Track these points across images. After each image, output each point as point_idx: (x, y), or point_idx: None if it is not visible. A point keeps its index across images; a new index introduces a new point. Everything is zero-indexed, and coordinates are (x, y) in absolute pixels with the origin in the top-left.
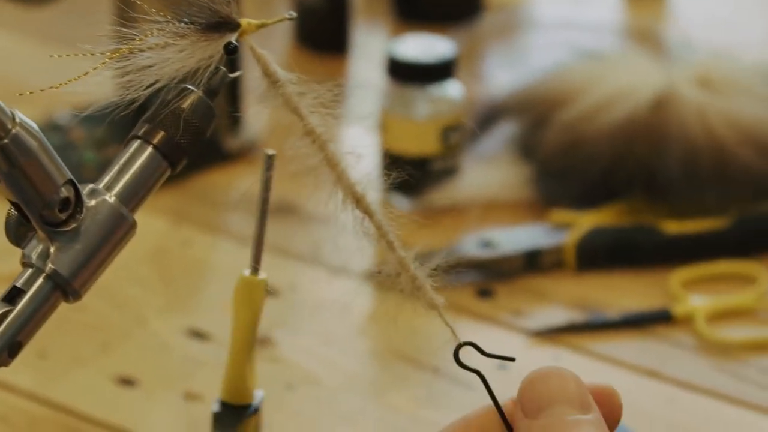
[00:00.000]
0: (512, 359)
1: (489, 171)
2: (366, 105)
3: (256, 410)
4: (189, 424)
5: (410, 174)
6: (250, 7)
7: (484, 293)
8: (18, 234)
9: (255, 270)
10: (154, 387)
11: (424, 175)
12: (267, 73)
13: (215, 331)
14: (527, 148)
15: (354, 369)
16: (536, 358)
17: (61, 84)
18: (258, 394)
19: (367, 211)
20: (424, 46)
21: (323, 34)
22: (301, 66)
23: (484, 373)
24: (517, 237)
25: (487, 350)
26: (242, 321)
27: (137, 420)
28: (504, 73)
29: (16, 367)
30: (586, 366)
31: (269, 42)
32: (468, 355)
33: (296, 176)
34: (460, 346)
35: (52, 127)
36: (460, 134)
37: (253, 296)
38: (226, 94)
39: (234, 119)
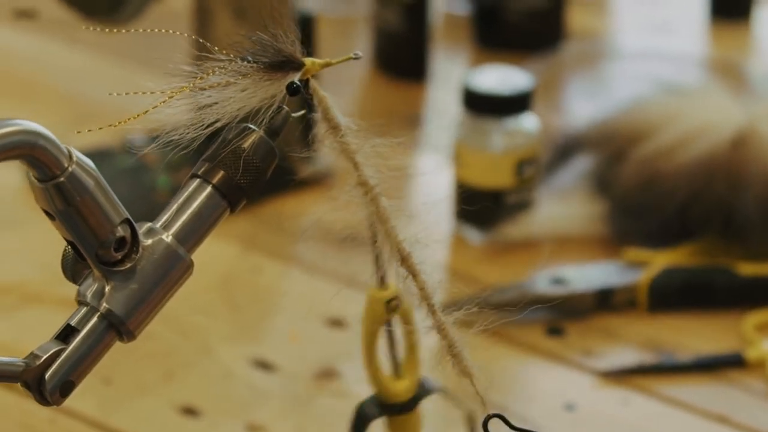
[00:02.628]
0: None
1: (563, 205)
2: (442, 134)
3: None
4: None
5: (483, 207)
6: (327, 32)
7: (555, 331)
8: (75, 271)
9: (381, 285)
10: (217, 417)
11: (498, 208)
12: (327, 118)
13: (281, 362)
14: (603, 183)
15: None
16: (605, 399)
17: (120, 122)
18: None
19: (411, 271)
20: (501, 77)
21: (402, 59)
22: (379, 91)
23: (553, 414)
24: (589, 274)
25: (554, 390)
26: (364, 335)
27: None
28: (583, 105)
29: (81, 393)
30: (654, 409)
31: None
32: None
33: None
34: (488, 417)
35: (125, 150)
36: (535, 168)
37: (372, 312)
38: (300, 120)
39: (308, 145)
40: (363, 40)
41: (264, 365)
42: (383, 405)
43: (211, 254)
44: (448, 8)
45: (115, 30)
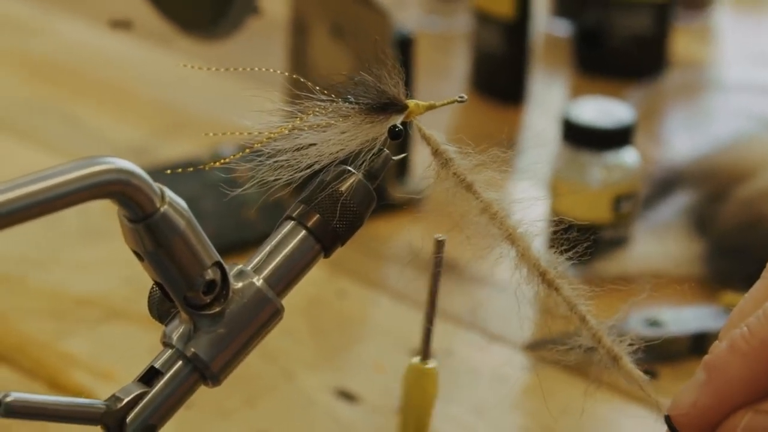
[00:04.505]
0: None
1: (660, 243)
2: (537, 164)
3: None
4: None
5: (579, 241)
6: (425, 48)
7: (647, 374)
8: (161, 311)
9: (425, 358)
10: None
11: (593, 243)
12: (437, 153)
13: (364, 393)
14: (702, 222)
15: None
16: None
17: (221, 161)
18: None
19: (553, 285)
20: (601, 109)
21: (500, 82)
22: (474, 113)
23: None
24: (684, 317)
25: None
26: (414, 410)
27: None
28: (683, 137)
29: None
30: None
31: (444, 86)
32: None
33: (459, 234)
34: (668, 418)
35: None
36: (633, 203)
37: (426, 385)
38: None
39: (402, 168)
40: (461, 59)
41: (347, 395)
42: None
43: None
44: (548, 29)
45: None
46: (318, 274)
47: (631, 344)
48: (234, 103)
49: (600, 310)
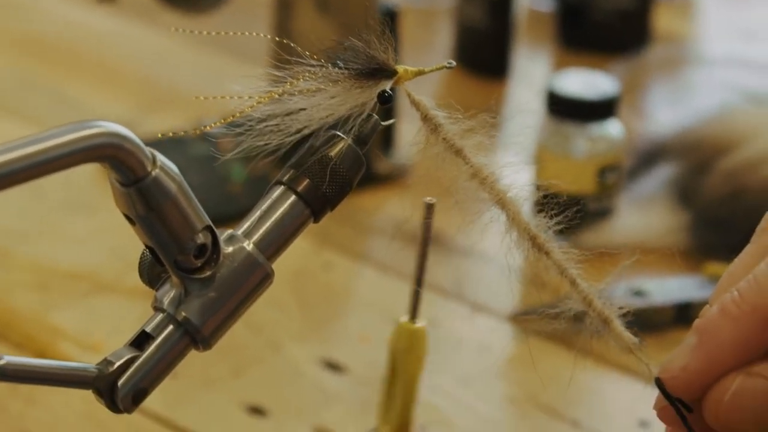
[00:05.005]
0: (690, 410)
1: (645, 215)
2: (522, 135)
3: None
4: None
5: (563, 212)
6: (409, 24)
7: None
8: (152, 275)
9: (413, 318)
10: (284, 418)
11: (578, 214)
12: (427, 119)
13: (350, 363)
14: (686, 194)
15: (489, 414)
16: None
17: (212, 125)
18: None
19: (543, 249)
20: (586, 81)
21: (484, 56)
22: (458, 87)
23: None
24: (668, 288)
25: (628, 406)
26: (403, 370)
27: None
28: (666, 111)
29: None
30: None
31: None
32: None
33: (444, 205)
34: (659, 380)
35: (201, 137)
36: (617, 175)
37: (416, 345)
38: (380, 114)
39: (387, 140)
40: (445, 34)
41: (333, 366)
42: None
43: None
44: (532, 5)
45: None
46: (304, 246)
47: (621, 308)
48: (221, 77)
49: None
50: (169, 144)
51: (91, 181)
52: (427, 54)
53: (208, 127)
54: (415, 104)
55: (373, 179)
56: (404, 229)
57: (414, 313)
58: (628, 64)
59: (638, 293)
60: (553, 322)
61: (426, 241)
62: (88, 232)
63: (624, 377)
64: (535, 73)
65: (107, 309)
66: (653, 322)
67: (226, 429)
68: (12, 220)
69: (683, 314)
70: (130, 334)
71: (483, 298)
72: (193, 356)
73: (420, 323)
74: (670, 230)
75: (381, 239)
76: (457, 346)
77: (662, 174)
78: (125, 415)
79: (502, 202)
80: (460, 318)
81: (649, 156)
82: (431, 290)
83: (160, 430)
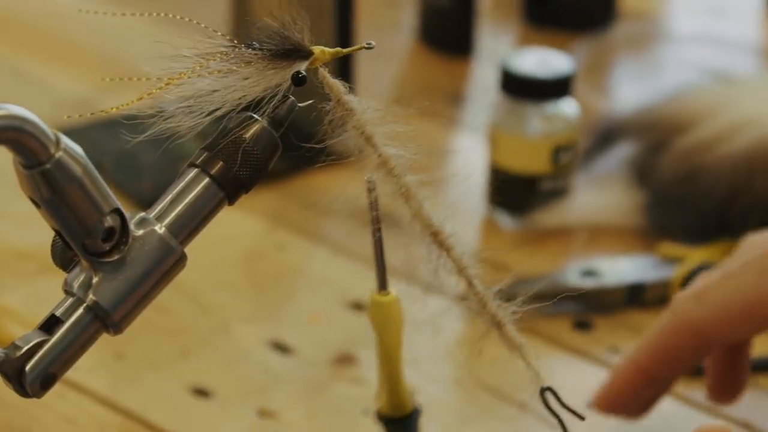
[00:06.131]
0: (582, 418)
1: (600, 194)
2: (482, 114)
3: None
4: None
5: (517, 192)
6: (373, 2)
7: (582, 325)
8: (64, 259)
9: (383, 289)
10: (229, 400)
11: (532, 194)
12: (340, 104)
13: (299, 345)
14: (642, 173)
15: (437, 396)
16: None
17: (120, 106)
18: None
19: (444, 246)
20: (541, 60)
21: (448, 34)
22: (422, 66)
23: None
24: (621, 268)
25: (577, 386)
26: (389, 340)
27: None
28: (631, 89)
29: (92, 367)
30: (673, 410)
31: (390, 39)
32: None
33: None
34: (543, 390)
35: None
36: (572, 154)
37: (393, 313)
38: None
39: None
40: (409, 12)
41: (281, 347)
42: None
43: (236, 229)
44: None
45: None
46: (258, 227)
47: (514, 312)
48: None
49: (538, 260)
50: (121, 124)
51: None
52: (389, 33)
53: (116, 108)
54: (329, 87)
55: (326, 158)
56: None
57: (382, 284)
58: (593, 42)
59: (590, 273)
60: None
61: (375, 214)
62: (35, 211)
63: (574, 360)
64: (499, 51)
65: (56, 289)
66: (605, 303)
67: (170, 411)
68: None
69: (635, 295)
70: None
71: (436, 279)
72: (141, 337)
73: (390, 293)
74: (625, 210)
75: (335, 219)
76: (406, 327)
77: (620, 153)
78: (70, 396)
79: (405, 195)
80: (410, 299)
81: (608, 134)
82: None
83: (104, 412)
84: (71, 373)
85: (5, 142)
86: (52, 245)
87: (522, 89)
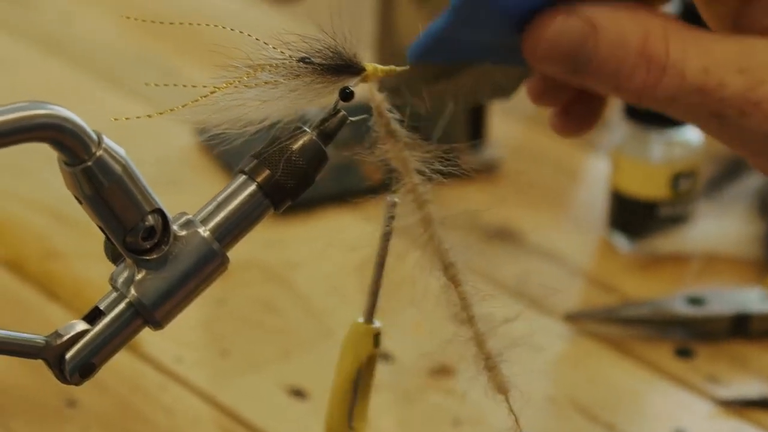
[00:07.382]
0: None
1: (721, 223)
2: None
3: None
4: None
5: (636, 216)
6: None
7: (683, 353)
8: (115, 253)
9: (369, 319)
10: (324, 403)
11: (650, 219)
12: (382, 122)
13: (399, 354)
14: (766, 204)
15: (527, 413)
16: (717, 428)
17: (163, 112)
18: None
19: (453, 280)
20: None
21: None
22: None
23: None
24: (729, 298)
25: (668, 413)
26: (343, 368)
27: None
28: None
29: (197, 362)
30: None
31: None
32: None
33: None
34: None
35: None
36: (693, 181)
37: (359, 344)
38: (468, 109)
39: (475, 135)
40: None
41: (381, 355)
42: None
43: (354, 238)
44: None
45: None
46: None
47: (500, 355)
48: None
49: (651, 285)
50: None
51: (183, 156)
52: None
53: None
54: (375, 104)
55: (459, 174)
56: (473, 222)
57: (370, 313)
58: None
59: (696, 301)
60: (607, 325)
61: (386, 237)
62: (181, 206)
63: (670, 386)
64: None
65: None
66: (709, 332)
67: (265, 409)
68: None
69: (740, 326)
70: None
71: (543, 296)
72: (247, 336)
73: (375, 324)
74: (744, 240)
75: (454, 233)
76: (508, 342)
77: (747, 183)
78: (172, 389)
79: (426, 222)
80: (515, 315)
81: (736, 163)
82: (495, 285)
83: (200, 406)
84: (175, 366)
85: (47, 140)
86: (105, 240)
87: (646, 115)
